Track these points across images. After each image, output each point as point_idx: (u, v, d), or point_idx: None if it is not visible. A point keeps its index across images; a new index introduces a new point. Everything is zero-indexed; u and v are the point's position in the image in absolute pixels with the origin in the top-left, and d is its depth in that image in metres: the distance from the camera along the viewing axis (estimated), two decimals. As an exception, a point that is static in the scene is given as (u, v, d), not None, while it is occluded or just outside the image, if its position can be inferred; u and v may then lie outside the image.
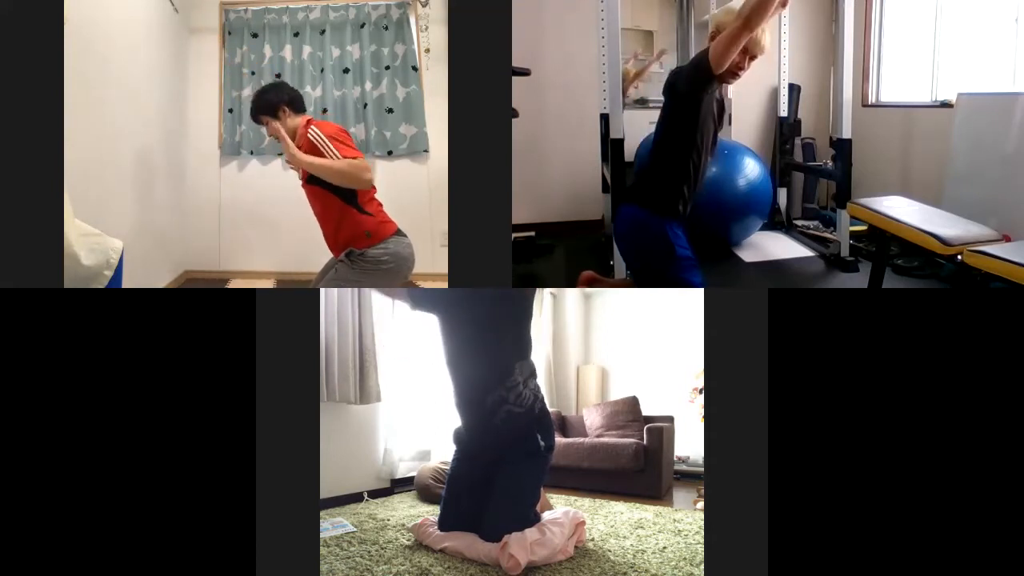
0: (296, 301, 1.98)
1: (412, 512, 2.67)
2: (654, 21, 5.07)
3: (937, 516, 1.84)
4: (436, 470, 2.96)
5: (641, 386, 3.86)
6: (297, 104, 2.53)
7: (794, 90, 4.55)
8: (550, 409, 2.32)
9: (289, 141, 2.41)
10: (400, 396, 3.12)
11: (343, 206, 2.43)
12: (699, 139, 2.18)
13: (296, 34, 4.00)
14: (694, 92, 2.14)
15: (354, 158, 2.41)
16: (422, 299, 2.32)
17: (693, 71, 2.17)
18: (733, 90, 4.28)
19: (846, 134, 3.48)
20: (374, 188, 2.52)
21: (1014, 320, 1.85)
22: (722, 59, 2.09)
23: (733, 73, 2.15)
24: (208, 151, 4.09)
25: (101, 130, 2.95)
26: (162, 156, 3.72)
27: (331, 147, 2.39)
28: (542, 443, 2.16)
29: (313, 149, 2.40)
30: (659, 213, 2.21)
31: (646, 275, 2.35)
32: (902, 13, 4.30)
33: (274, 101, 2.50)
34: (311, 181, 2.45)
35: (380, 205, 2.52)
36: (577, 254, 3.94)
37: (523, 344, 2.17)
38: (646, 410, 3.68)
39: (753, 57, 2.15)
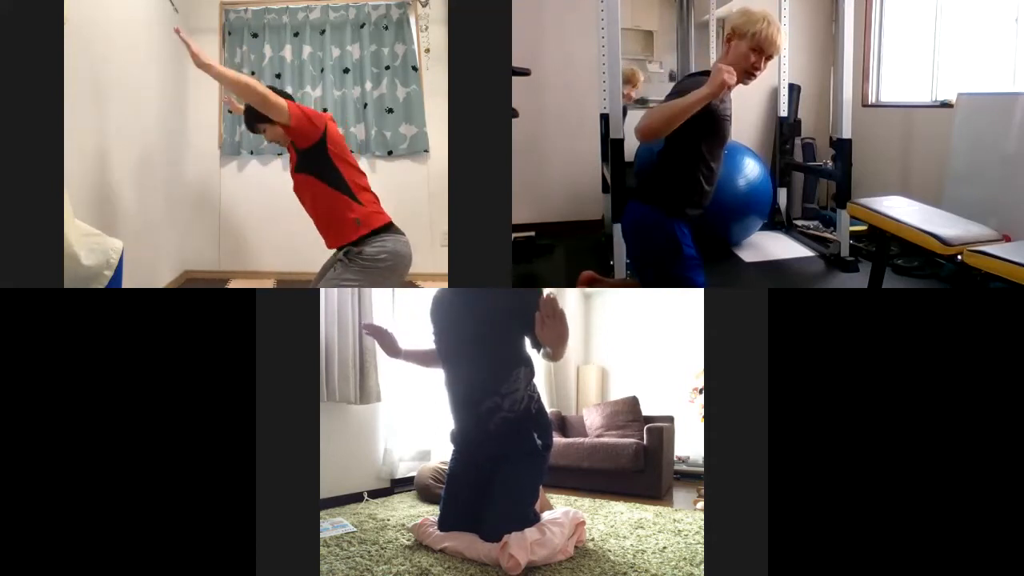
0: (296, 301, 1.98)
1: (412, 512, 2.67)
2: (654, 21, 5.07)
3: (937, 516, 1.84)
4: (436, 470, 2.96)
5: (641, 386, 3.86)
6: None
7: (794, 90, 4.55)
8: (550, 409, 2.32)
9: (195, 46, 2.39)
10: (400, 396, 3.11)
11: (333, 193, 2.43)
12: (705, 151, 2.17)
13: (296, 34, 4.00)
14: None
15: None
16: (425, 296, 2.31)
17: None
18: (733, 90, 4.28)
19: (846, 134, 3.48)
20: (363, 175, 2.51)
21: (1014, 320, 1.86)
22: (648, 135, 2.09)
23: (749, 74, 2.16)
24: (208, 151, 4.09)
25: (101, 130, 2.95)
26: (162, 156, 3.72)
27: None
28: (539, 442, 2.16)
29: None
30: (667, 212, 2.22)
31: (650, 271, 2.35)
32: (902, 13, 4.29)
33: None
34: (298, 169, 2.46)
35: (375, 198, 2.52)
36: (577, 254, 3.94)
37: (520, 349, 2.16)
38: (646, 410, 3.67)
39: (769, 57, 2.15)
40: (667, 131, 2.06)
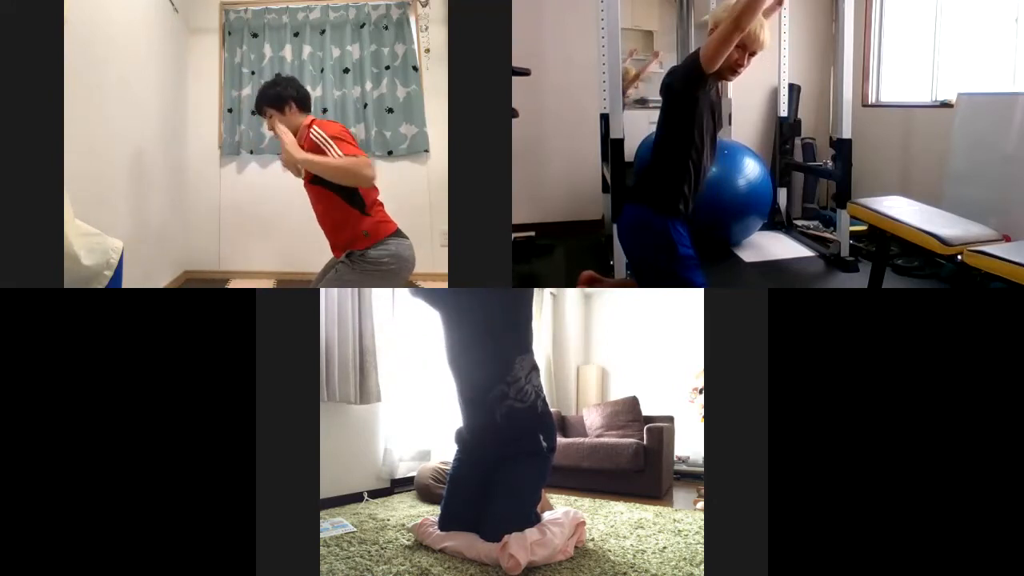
0: (296, 301, 1.98)
1: (412, 512, 2.67)
2: (654, 21, 5.07)
3: (937, 516, 1.84)
4: (436, 470, 2.96)
5: (641, 386, 3.86)
6: (304, 103, 2.52)
7: (794, 90, 4.55)
8: (550, 409, 2.31)
9: (290, 137, 2.39)
10: (400, 396, 3.11)
11: (346, 207, 2.43)
12: (697, 138, 2.17)
13: (296, 34, 4.00)
14: (689, 91, 2.13)
15: (355, 156, 2.40)
16: (424, 297, 2.31)
17: (686, 71, 2.16)
18: (733, 90, 4.29)
19: (846, 134, 3.48)
20: (377, 189, 2.51)
21: (1014, 320, 1.85)
22: (713, 60, 2.07)
23: (732, 70, 2.15)
24: (208, 151, 4.09)
25: (101, 130, 2.95)
26: (162, 156, 3.71)
27: (333, 145, 2.37)
28: (544, 443, 2.16)
29: (315, 149, 2.39)
30: (662, 212, 2.21)
31: (648, 273, 2.35)
32: (902, 13, 4.30)
33: (283, 95, 2.49)
34: (314, 181, 2.45)
35: (382, 206, 2.52)
36: (577, 254, 3.94)
37: (523, 339, 2.17)
38: (646, 410, 3.68)
39: (753, 53, 2.14)
40: (752, 19, 2.00)
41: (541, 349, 3.91)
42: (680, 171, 2.19)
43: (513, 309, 2.11)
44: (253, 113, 3.75)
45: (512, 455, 2.13)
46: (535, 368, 2.18)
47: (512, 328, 2.15)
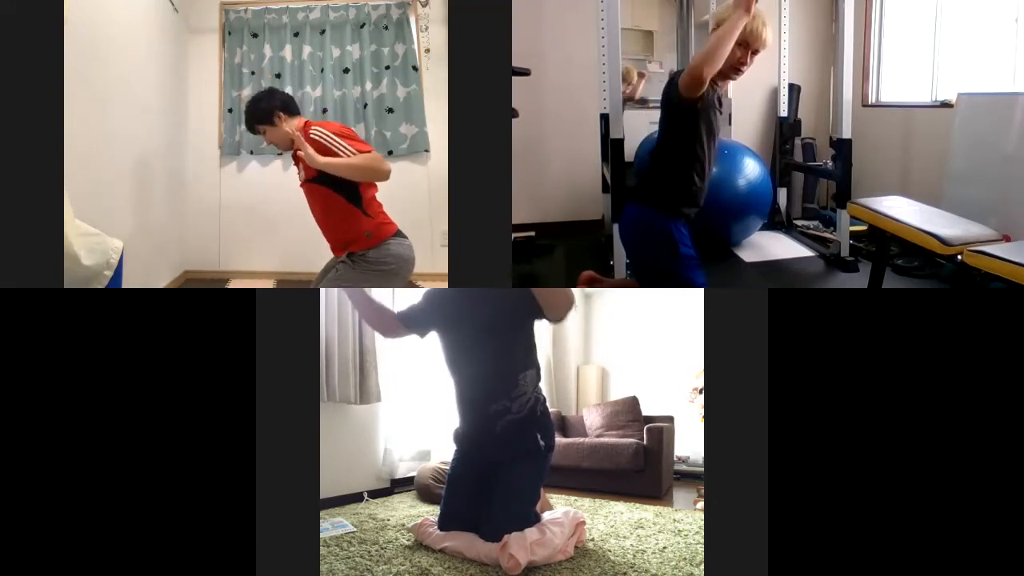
0: (296, 301, 1.98)
1: (412, 512, 2.67)
2: (654, 21, 5.07)
3: (937, 516, 1.84)
4: (436, 470, 2.96)
5: (641, 386, 3.86)
6: (291, 107, 2.52)
7: (794, 90, 4.55)
8: (550, 409, 2.31)
9: (306, 143, 2.37)
10: (400, 396, 3.11)
11: (346, 205, 2.43)
12: (698, 149, 2.16)
13: (296, 34, 4.00)
14: (687, 103, 2.12)
15: (367, 151, 2.40)
16: (423, 298, 2.29)
17: (675, 90, 2.14)
18: (733, 90, 4.28)
19: (846, 134, 3.48)
20: (375, 186, 2.51)
21: (1014, 320, 1.85)
22: (690, 90, 2.06)
23: (736, 69, 2.14)
24: (208, 151, 4.09)
25: (101, 130, 2.95)
26: (162, 156, 3.72)
27: (343, 144, 2.38)
28: (542, 443, 2.16)
29: (322, 150, 2.38)
30: (664, 211, 2.21)
31: (648, 272, 2.35)
32: (902, 13, 4.30)
33: (269, 108, 2.48)
34: (312, 180, 2.45)
35: (380, 206, 2.52)
36: (577, 254, 3.94)
37: (529, 352, 2.16)
38: (646, 410, 3.68)
39: (756, 51, 2.13)
40: (715, 66, 2.00)
41: (541, 349, 3.90)
42: (683, 182, 2.19)
43: (517, 312, 2.10)
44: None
45: (510, 457, 2.13)
46: (538, 378, 2.18)
47: (518, 336, 2.13)
